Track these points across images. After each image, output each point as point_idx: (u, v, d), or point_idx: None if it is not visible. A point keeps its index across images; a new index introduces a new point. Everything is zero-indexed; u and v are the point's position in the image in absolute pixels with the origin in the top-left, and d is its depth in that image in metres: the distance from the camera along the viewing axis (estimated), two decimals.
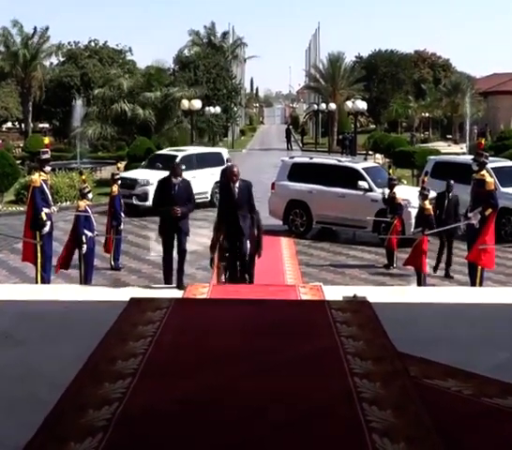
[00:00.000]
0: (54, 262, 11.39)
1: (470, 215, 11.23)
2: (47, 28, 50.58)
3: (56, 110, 48.63)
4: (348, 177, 17.29)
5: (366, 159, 32.30)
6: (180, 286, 9.38)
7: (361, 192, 16.95)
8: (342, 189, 17.28)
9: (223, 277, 10.30)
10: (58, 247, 12.04)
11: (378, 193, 16.11)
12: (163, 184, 10.27)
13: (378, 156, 36.85)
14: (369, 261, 14.93)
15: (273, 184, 18.33)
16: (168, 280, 9.98)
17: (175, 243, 10.00)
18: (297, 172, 18.20)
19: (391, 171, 15.55)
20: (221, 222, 9.98)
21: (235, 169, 9.95)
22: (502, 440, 3.73)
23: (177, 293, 8.87)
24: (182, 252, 10.03)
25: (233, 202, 9.72)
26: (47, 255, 11.01)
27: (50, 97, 49.53)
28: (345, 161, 18.90)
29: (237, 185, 9.74)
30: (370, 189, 16.83)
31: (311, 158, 19.55)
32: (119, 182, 13.81)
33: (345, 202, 17.10)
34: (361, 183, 17.00)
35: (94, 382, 4.39)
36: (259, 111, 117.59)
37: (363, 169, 17.61)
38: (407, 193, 15.45)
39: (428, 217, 12.28)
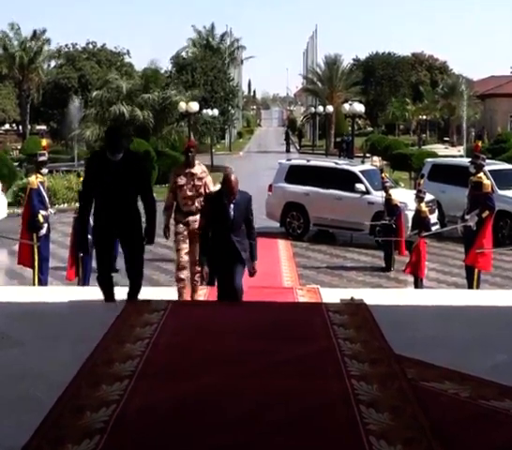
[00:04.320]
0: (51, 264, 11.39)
1: (467, 217, 11.26)
2: (44, 30, 50.66)
3: (54, 112, 48.67)
4: (345, 180, 17.35)
5: (363, 162, 32.37)
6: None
7: (358, 195, 16.99)
8: (339, 192, 17.32)
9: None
10: (55, 249, 12.05)
11: (375, 196, 16.16)
12: (93, 163, 6.74)
13: (375, 158, 36.89)
14: (367, 263, 14.95)
15: (270, 186, 18.35)
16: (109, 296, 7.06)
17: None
18: (295, 174, 18.24)
19: (384, 174, 15.58)
20: (207, 249, 7.31)
21: (234, 177, 7.17)
22: (499, 442, 3.74)
23: (175, 296, 8.87)
24: (136, 266, 7.11)
25: (226, 223, 7.17)
26: (44, 257, 11.01)
27: (47, 99, 49.61)
28: (342, 164, 18.96)
29: (233, 200, 7.18)
30: (368, 192, 16.87)
31: (309, 161, 19.62)
32: None
33: (342, 204, 17.14)
34: (358, 185, 17.04)
35: (91, 383, 4.39)
36: (256, 113, 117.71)
37: (360, 171, 17.67)
38: (404, 196, 15.48)
39: (424, 219, 12.31)
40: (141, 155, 6.51)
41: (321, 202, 17.48)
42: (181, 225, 8.69)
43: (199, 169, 8.86)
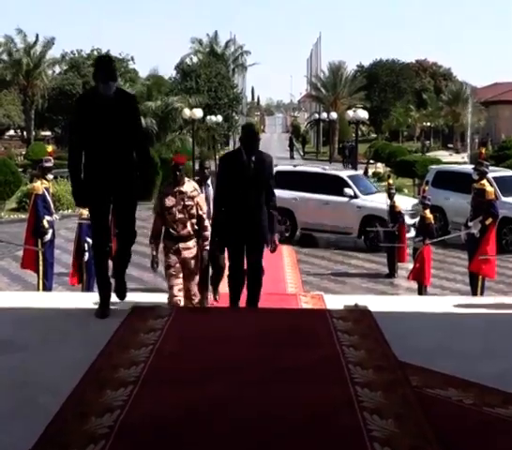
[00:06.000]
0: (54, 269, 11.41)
1: (470, 224, 11.26)
2: (53, 38, 50.83)
3: (58, 118, 48.80)
4: (332, 185, 17.75)
5: (367, 169, 32.62)
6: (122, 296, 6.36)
7: (346, 199, 17.36)
8: (327, 196, 17.64)
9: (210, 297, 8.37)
10: (60, 254, 12.06)
11: (363, 200, 16.59)
12: (84, 101, 5.83)
13: (379, 165, 36.94)
14: (370, 270, 14.96)
15: None
16: (105, 298, 6.27)
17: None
18: (282, 179, 18.44)
19: (391, 180, 15.70)
20: (220, 222, 6.70)
21: (256, 128, 6.76)
22: None
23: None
24: (127, 228, 6.05)
25: (245, 184, 6.46)
26: (48, 262, 11.05)
27: (52, 106, 49.77)
28: (330, 170, 19.52)
29: (253, 158, 6.58)
30: (356, 196, 17.26)
31: (295, 166, 20.13)
32: None
33: (330, 208, 17.48)
34: (347, 190, 17.43)
35: (96, 389, 4.40)
36: (260, 119, 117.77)
37: (348, 177, 18.09)
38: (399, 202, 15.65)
39: (428, 225, 12.32)
40: (134, 95, 5.50)
41: (308, 206, 17.77)
42: (172, 256, 7.62)
43: (189, 186, 7.67)
